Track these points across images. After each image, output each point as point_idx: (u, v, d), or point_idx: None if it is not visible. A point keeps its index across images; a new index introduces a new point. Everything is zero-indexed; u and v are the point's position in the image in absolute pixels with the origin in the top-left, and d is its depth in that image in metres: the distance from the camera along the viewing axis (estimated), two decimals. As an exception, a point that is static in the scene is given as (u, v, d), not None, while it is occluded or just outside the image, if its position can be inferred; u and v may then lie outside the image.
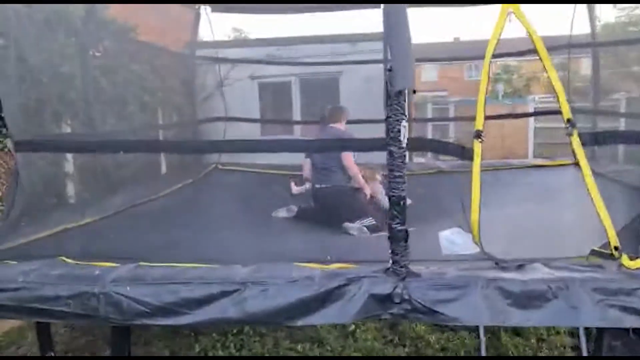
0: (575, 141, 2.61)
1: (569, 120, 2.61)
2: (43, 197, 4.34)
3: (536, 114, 11.81)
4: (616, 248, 2.60)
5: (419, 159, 9.11)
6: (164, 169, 7.53)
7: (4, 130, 5.01)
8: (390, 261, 2.59)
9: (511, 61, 29.48)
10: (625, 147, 6.84)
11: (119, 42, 6.22)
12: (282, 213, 5.26)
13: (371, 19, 8.10)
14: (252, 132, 8.82)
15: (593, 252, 2.66)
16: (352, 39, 8.52)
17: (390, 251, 2.59)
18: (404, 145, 2.40)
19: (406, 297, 2.49)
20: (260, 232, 4.28)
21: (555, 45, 7.39)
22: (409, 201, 2.42)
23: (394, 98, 2.36)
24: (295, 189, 5.75)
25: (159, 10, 6.91)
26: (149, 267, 2.89)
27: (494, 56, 2.45)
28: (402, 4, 2.32)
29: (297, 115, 9.33)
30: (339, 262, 2.90)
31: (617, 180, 5.11)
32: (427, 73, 29.18)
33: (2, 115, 5.07)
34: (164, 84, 7.22)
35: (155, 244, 3.75)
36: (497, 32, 2.52)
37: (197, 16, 7.37)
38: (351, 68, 8.62)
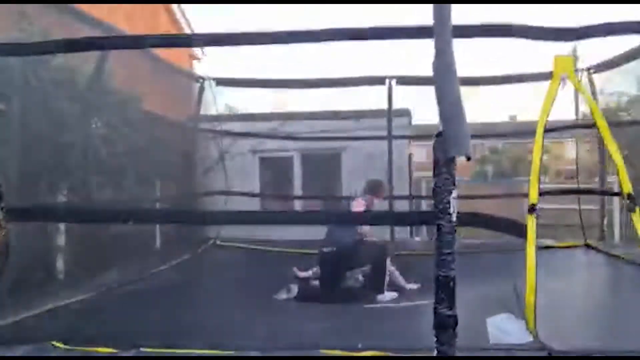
0: (636, 216, 2.37)
1: (629, 196, 2.39)
2: (32, 272, 3.96)
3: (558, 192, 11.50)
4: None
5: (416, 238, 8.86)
6: (158, 243, 7.17)
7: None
8: (435, 352, 2.26)
9: (498, 143, 30.27)
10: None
11: (124, 111, 6.04)
12: (283, 294, 4.94)
13: (375, 95, 8.15)
14: (251, 207, 8.56)
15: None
16: (356, 115, 8.49)
17: (435, 339, 2.26)
18: (454, 219, 2.14)
19: (456, 396, 2.14)
20: (270, 313, 3.92)
21: (563, 126, 7.49)
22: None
23: (442, 166, 2.12)
24: (300, 274, 5.41)
25: (165, 81, 6.83)
26: (151, 355, 2.53)
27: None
28: (452, 56, 2.14)
29: (297, 191, 9.12)
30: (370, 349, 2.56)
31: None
32: (417, 153, 29.61)
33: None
34: (165, 156, 7.01)
35: (154, 325, 3.37)
36: (550, 100, 2.34)
37: (201, 89, 7.34)
38: (354, 144, 8.54)
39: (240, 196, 7.69)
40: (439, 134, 2.17)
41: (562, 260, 5.78)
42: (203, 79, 7.25)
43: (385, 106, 7.72)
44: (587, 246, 6.44)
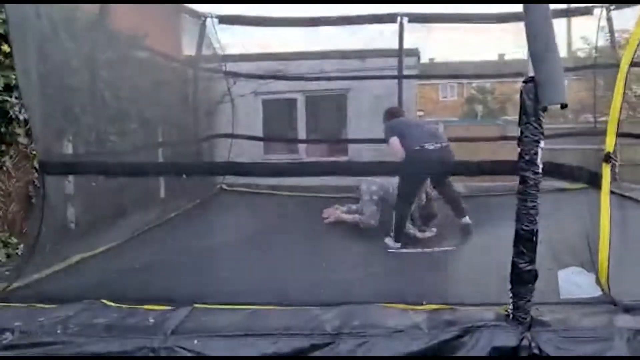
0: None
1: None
2: (56, 224, 3.79)
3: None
4: None
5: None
6: (162, 191, 6.97)
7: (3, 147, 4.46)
8: (511, 306, 2.20)
9: (486, 83, 30.08)
10: None
11: (129, 51, 5.71)
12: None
13: (381, 34, 7.84)
14: (253, 150, 8.37)
15: None
16: (361, 55, 8.19)
17: (511, 294, 2.19)
18: (540, 170, 2.02)
19: (536, 350, 2.09)
20: (308, 259, 3.81)
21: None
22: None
23: (531, 114, 1.98)
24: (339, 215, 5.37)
25: (164, 21, 6.45)
26: (208, 311, 2.43)
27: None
28: (546, 5, 1.95)
29: (302, 134, 8.90)
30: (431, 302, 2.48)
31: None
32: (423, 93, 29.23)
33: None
34: (168, 99, 6.72)
35: (191, 277, 3.26)
36: (634, 43, 2.17)
37: (203, 27, 6.95)
38: (359, 85, 8.29)
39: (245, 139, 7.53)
40: (528, 80, 2.01)
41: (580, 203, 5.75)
42: (205, 16, 6.85)
43: (391, 45, 7.46)
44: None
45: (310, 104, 8.90)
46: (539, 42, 1.91)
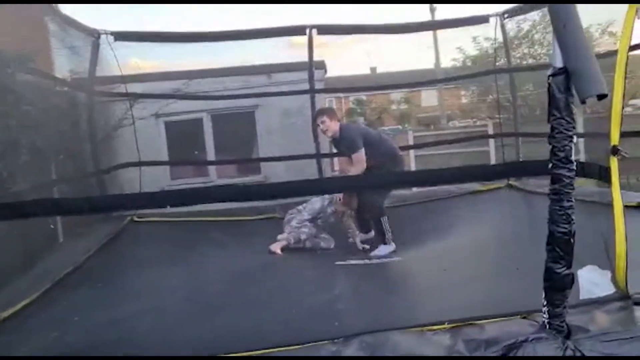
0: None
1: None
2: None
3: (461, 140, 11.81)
4: None
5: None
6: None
7: None
8: (547, 315, 2.05)
9: (361, 95, 31.37)
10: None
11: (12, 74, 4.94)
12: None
13: (289, 48, 7.67)
14: (159, 176, 7.73)
15: None
16: (267, 70, 7.93)
17: (546, 302, 2.05)
18: (575, 167, 1.90)
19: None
20: (274, 292, 3.44)
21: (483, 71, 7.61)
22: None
23: (563, 108, 1.85)
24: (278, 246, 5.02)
25: (54, 35, 5.73)
26: None
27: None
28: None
29: (210, 155, 8.39)
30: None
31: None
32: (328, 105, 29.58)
33: None
34: (60, 126, 5.93)
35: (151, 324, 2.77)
36: (629, 30, 2.16)
37: (96, 46, 6.28)
38: (268, 101, 8.03)
39: (150, 166, 6.92)
40: (557, 72, 1.89)
41: (500, 202, 5.95)
42: (99, 33, 6.20)
43: (297, 59, 7.32)
44: (510, 186, 6.67)
45: (217, 123, 8.43)
46: (569, 34, 1.80)
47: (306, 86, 6.88)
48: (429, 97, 33.00)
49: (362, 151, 4.76)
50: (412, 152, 13.57)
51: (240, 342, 2.26)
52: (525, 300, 2.33)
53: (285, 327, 2.59)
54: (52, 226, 5.21)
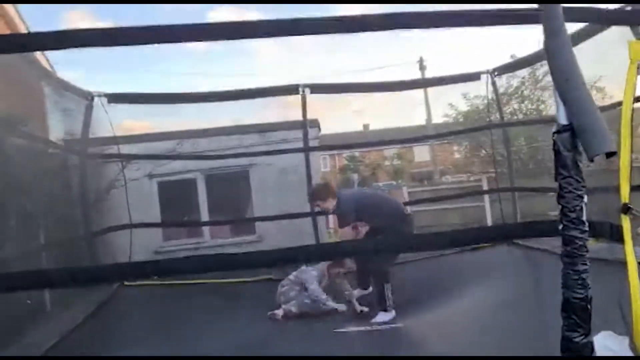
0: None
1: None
2: None
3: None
4: None
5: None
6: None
7: None
8: (566, 388, 1.89)
9: (355, 152, 31.76)
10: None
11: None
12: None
13: (282, 107, 7.72)
14: (152, 237, 7.57)
15: None
16: (261, 129, 7.94)
17: (565, 376, 1.89)
18: (587, 227, 1.80)
19: None
20: None
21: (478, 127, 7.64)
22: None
23: (571, 167, 1.77)
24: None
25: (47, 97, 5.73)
26: None
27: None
28: (567, 34, 1.80)
29: (204, 215, 8.26)
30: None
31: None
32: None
33: None
34: (51, 189, 5.83)
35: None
36: (632, 87, 2.12)
37: (89, 108, 6.27)
38: (262, 160, 7.99)
39: (143, 227, 6.77)
40: (562, 130, 1.82)
41: (502, 260, 5.79)
42: (92, 95, 6.21)
43: (290, 118, 7.36)
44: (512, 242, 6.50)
45: (211, 182, 8.36)
46: (573, 89, 1.74)
47: (300, 144, 6.86)
48: (421, 153, 33.50)
49: (348, 228, 4.78)
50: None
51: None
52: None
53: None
54: (28, 301, 4.99)
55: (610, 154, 1.74)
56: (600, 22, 3.01)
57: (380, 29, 2.60)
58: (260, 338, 4.11)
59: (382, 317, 4.53)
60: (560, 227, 1.83)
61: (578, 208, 1.79)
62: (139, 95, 6.70)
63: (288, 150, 7.12)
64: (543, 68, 12.78)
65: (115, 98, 6.36)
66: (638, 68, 2.18)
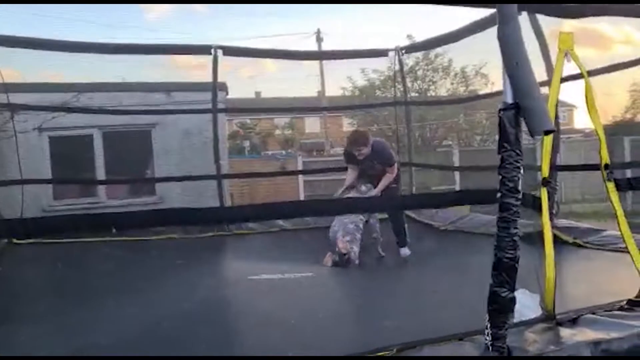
0: (611, 186, 2.59)
1: (607, 166, 2.59)
2: None
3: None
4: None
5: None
6: None
7: None
8: (489, 336, 2.15)
9: (246, 119, 31.46)
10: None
11: None
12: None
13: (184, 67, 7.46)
14: (40, 195, 7.06)
15: (632, 302, 2.62)
16: (167, 88, 7.62)
17: (489, 324, 2.14)
18: (521, 196, 2.03)
19: (522, 378, 2.08)
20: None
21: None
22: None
23: (514, 142, 1.98)
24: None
25: None
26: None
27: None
28: (518, 22, 1.98)
29: (101, 175, 7.79)
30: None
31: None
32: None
33: None
34: None
35: None
36: (559, 75, 2.39)
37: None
38: (166, 120, 7.71)
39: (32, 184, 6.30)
40: (508, 107, 2.01)
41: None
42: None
43: (199, 79, 7.18)
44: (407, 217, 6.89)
45: (109, 140, 7.88)
46: (521, 72, 1.93)
47: (207, 107, 6.69)
48: (312, 124, 34.01)
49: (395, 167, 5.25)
50: (300, 177, 13.81)
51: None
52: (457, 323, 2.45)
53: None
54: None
55: (548, 132, 1.98)
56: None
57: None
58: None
59: (404, 251, 5.11)
60: (499, 195, 2.04)
61: (515, 179, 2.01)
62: (33, 40, 6.10)
63: (195, 110, 6.93)
64: (436, 50, 13.63)
65: (5, 41, 5.76)
66: (565, 56, 2.46)
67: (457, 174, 13.05)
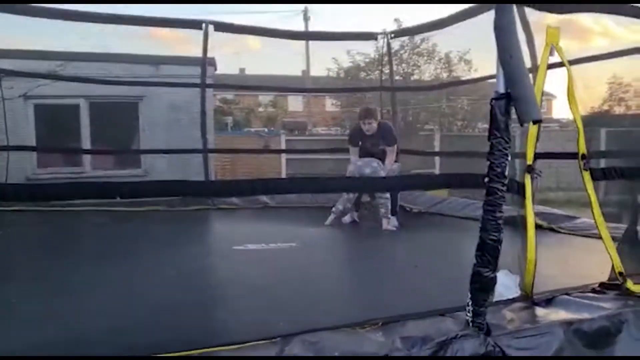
0: (587, 176, 2.72)
1: (583, 156, 2.72)
2: None
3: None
4: (620, 274, 2.80)
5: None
6: None
7: None
8: (471, 313, 2.29)
9: (229, 94, 31.23)
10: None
11: None
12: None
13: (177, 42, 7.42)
14: (24, 163, 7.02)
15: (603, 285, 2.78)
16: (156, 61, 7.58)
17: (471, 301, 2.28)
18: (507, 181, 2.16)
19: (499, 354, 2.22)
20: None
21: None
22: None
23: (502, 129, 2.10)
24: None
25: None
26: None
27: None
28: (513, 12, 2.08)
29: (86, 145, 7.75)
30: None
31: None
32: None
33: None
34: None
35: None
36: (544, 68, 2.50)
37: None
38: (153, 93, 7.68)
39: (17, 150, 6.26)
40: (500, 96, 2.12)
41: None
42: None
43: (187, 53, 7.16)
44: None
45: (95, 110, 7.83)
46: (513, 61, 2.04)
47: (195, 81, 6.69)
48: (294, 103, 33.95)
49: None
50: (283, 156, 13.89)
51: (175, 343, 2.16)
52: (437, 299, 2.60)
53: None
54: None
55: (536, 121, 2.10)
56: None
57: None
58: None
59: (394, 221, 5.37)
60: (486, 179, 2.16)
61: (503, 165, 2.14)
62: (19, 6, 6.00)
63: (184, 84, 6.93)
64: (421, 35, 13.67)
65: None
66: (551, 50, 2.58)
67: (436, 158, 13.26)
